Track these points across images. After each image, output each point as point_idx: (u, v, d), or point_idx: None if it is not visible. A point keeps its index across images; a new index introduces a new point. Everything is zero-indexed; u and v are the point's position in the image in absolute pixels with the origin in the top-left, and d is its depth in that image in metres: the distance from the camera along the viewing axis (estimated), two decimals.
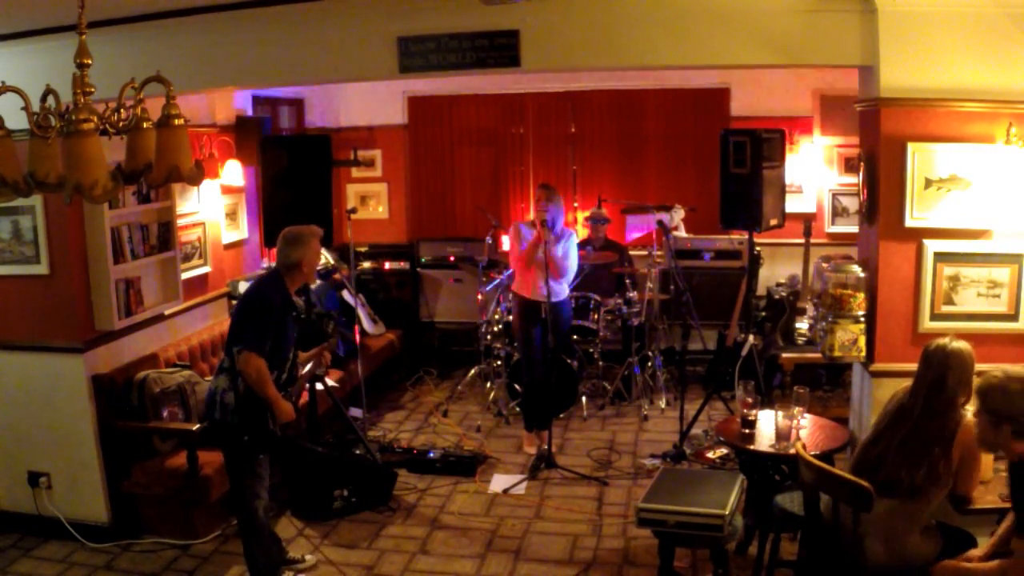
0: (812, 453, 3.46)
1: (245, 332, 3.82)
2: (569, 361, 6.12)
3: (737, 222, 5.29)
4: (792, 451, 3.60)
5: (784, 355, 5.90)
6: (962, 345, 3.20)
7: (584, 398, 6.46)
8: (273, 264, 4.17)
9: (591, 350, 6.70)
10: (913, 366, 3.37)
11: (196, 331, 5.48)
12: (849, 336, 3.93)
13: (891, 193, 3.78)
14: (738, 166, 5.06)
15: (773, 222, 5.16)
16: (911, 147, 3.70)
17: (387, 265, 7.83)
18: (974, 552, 3.03)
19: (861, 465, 3.25)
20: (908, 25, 3.66)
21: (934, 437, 3.07)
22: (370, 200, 7.99)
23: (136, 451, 4.56)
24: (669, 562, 3.66)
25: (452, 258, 7.64)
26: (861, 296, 3.92)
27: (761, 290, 6.65)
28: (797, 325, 5.86)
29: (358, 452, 5.31)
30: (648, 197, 7.43)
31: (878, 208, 3.83)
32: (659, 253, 6.58)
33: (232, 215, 6.16)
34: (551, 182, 6.72)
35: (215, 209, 5.91)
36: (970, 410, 3.10)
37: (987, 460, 3.43)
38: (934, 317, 3.80)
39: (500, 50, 4.03)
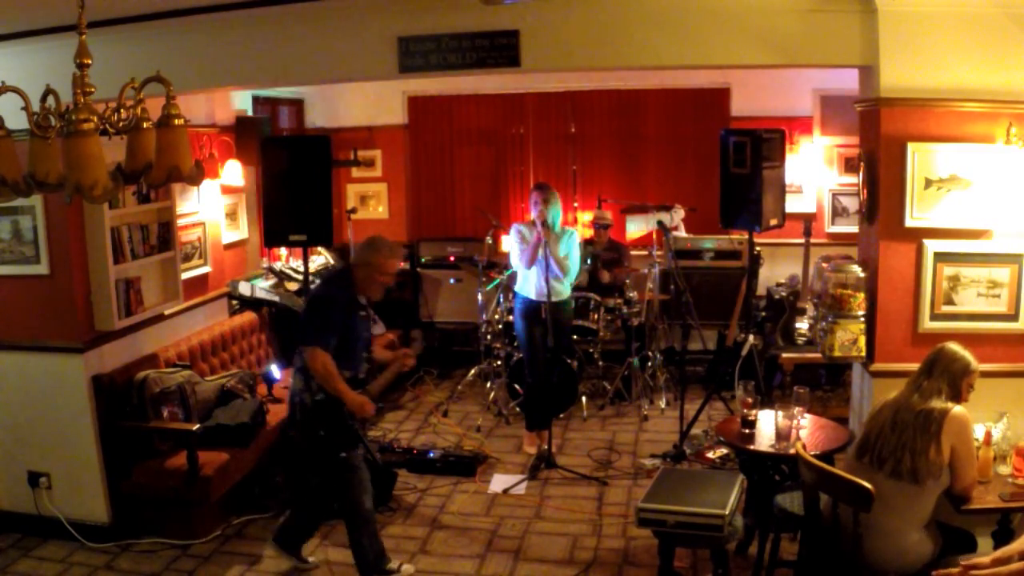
0: (812, 453, 3.46)
1: (309, 328, 3.89)
2: (569, 361, 6.13)
3: (737, 222, 5.29)
4: (792, 451, 3.60)
5: (784, 355, 5.90)
6: (960, 347, 3.23)
7: (584, 398, 6.46)
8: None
9: (591, 350, 6.70)
10: (913, 366, 3.39)
11: (196, 331, 5.48)
12: (849, 336, 3.93)
13: (891, 193, 3.78)
14: (738, 166, 5.06)
15: (773, 222, 5.16)
16: (911, 147, 3.70)
17: None
18: (983, 559, 2.98)
19: (862, 442, 3.29)
20: (908, 25, 3.66)
21: (922, 417, 3.12)
22: (370, 200, 8.00)
23: (136, 451, 4.56)
24: (669, 562, 3.66)
25: (452, 258, 7.64)
26: (861, 296, 3.92)
27: (761, 290, 6.64)
28: (797, 325, 5.85)
29: None
30: (648, 197, 7.43)
31: (878, 208, 3.83)
32: (659, 253, 6.58)
33: (232, 215, 6.17)
34: (551, 182, 6.72)
35: (215, 209, 5.91)
36: (959, 407, 3.13)
37: (987, 460, 3.44)
38: (934, 317, 3.80)
39: (500, 50, 4.03)
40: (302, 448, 4.15)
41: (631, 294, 6.58)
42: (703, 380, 6.78)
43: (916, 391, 3.21)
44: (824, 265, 4.10)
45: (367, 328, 4.13)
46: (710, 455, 5.42)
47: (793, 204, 6.55)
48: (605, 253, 6.88)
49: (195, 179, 2.35)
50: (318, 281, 4.09)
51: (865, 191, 3.96)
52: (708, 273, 6.87)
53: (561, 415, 6.22)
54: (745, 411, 4.13)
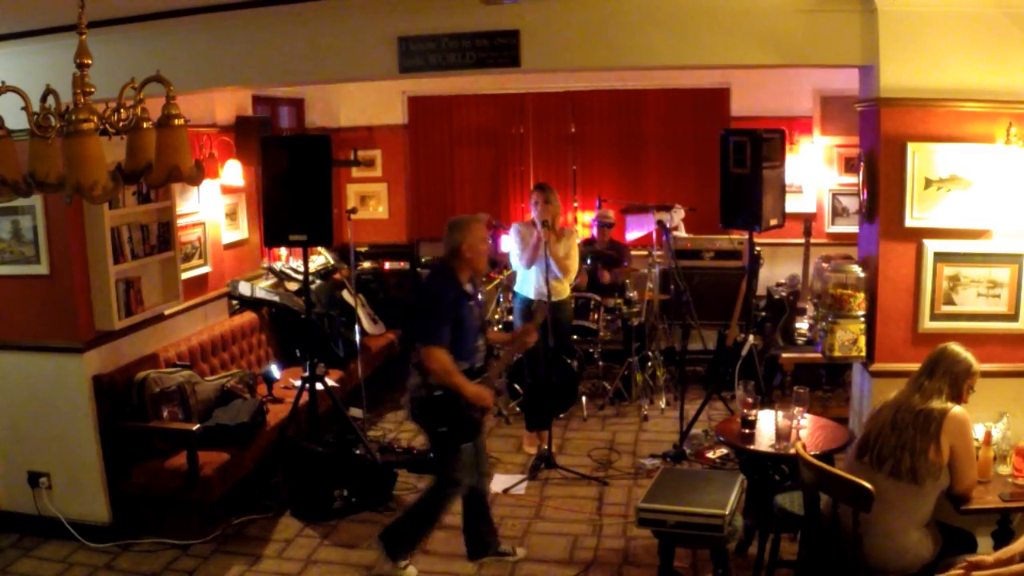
0: (812, 453, 3.46)
1: (422, 328, 3.95)
2: (569, 361, 6.13)
3: (737, 222, 5.29)
4: (792, 451, 3.60)
5: (784, 355, 5.90)
6: (962, 348, 3.24)
7: (584, 398, 6.46)
8: None
9: (591, 350, 6.70)
10: (913, 366, 3.39)
11: (196, 331, 5.48)
12: (849, 336, 3.93)
13: (891, 193, 3.78)
14: (738, 166, 5.06)
15: (773, 222, 5.16)
16: (911, 147, 3.70)
17: (387, 265, 7.83)
18: (986, 558, 2.98)
19: (862, 442, 3.30)
20: (908, 25, 3.66)
21: (922, 417, 3.12)
22: (370, 200, 8.00)
23: (136, 451, 4.56)
24: (669, 562, 3.66)
25: None
26: (861, 296, 3.93)
27: (761, 290, 6.65)
28: (797, 325, 5.86)
29: (358, 452, 5.31)
30: (648, 197, 7.43)
31: (878, 208, 3.83)
32: (659, 253, 6.58)
33: (232, 215, 6.17)
34: (551, 182, 6.72)
35: (215, 209, 5.91)
36: (959, 407, 3.14)
37: (987, 460, 3.44)
38: (934, 317, 3.80)
39: (500, 50, 4.03)
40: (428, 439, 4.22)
41: (631, 294, 6.58)
42: (703, 380, 6.78)
43: (917, 391, 3.21)
44: (824, 265, 4.11)
45: (480, 315, 4.18)
46: (710, 455, 5.42)
47: (793, 204, 6.55)
48: (606, 253, 6.88)
49: (195, 179, 2.35)
50: (425, 278, 4.16)
51: (865, 191, 3.97)
52: (708, 273, 6.87)
53: (561, 415, 6.21)
54: (745, 411, 4.13)
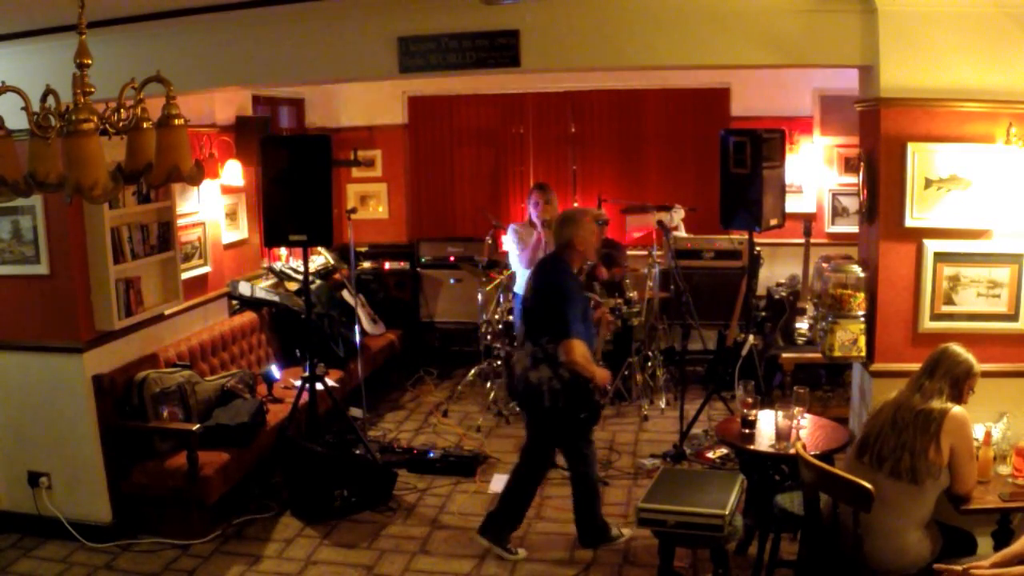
0: (812, 453, 3.46)
1: (560, 322, 4.02)
2: None
3: (737, 222, 5.29)
4: (792, 451, 3.60)
5: (784, 355, 5.90)
6: (963, 349, 3.24)
7: None
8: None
9: None
10: (913, 366, 3.39)
11: (196, 331, 5.48)
12: (849, 336, 3.93)
13: (891, 193, 3.78)
14: (738, 166, 5.06)
15: (773, 222, 5.16)
16: (911, 147, 3.70)
17: (387, 265, 7.83)
18: (982, 563, 2.97)
19: (862, 441, 3.30)
20: (908, 25, 3.67)
21: (922, 417, 3.12)
22: (370, 200, 7.99)
23: (136, 451, 4.56)
24: (669, 562, 3.66)
25: (452, 258, 7.64)
26: (861, 296, 3.93)
27: (761, 290, 6.64)
28: (797, 325, 5.85)
29: (358, 452, 5.31)
30: (648, 197, 7.42)
31: (878, 208, 3.83)
32: (659, 253, 6.58)
33: (232, 215, 6.17)
34: (551, 182, 6.72)
35: (215, 209, 5.91)
36: (959, 407, 3.14)
37: (987, 460, 3.44)
38: (934, 317, 3.80)
39: (500, 50, 4.03)
40: (551, 429, 4.28)
41: (631, 294, 6.58)
42: (703, 380, 6.78)
43: (917, 391, 3.21)
44: (824, 265, 4.10)
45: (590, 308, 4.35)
46: (710, 455, 5.42)
47: (793, 204, 6.55)
48: (601, 250, 6.87)
49: (195, 179, 2.35)
50: (540, 273, 4.29)
51: (865, 191, 3.97)
52: (708, 273, 6.87)
53: None
54: (745, 411, 4.13)
